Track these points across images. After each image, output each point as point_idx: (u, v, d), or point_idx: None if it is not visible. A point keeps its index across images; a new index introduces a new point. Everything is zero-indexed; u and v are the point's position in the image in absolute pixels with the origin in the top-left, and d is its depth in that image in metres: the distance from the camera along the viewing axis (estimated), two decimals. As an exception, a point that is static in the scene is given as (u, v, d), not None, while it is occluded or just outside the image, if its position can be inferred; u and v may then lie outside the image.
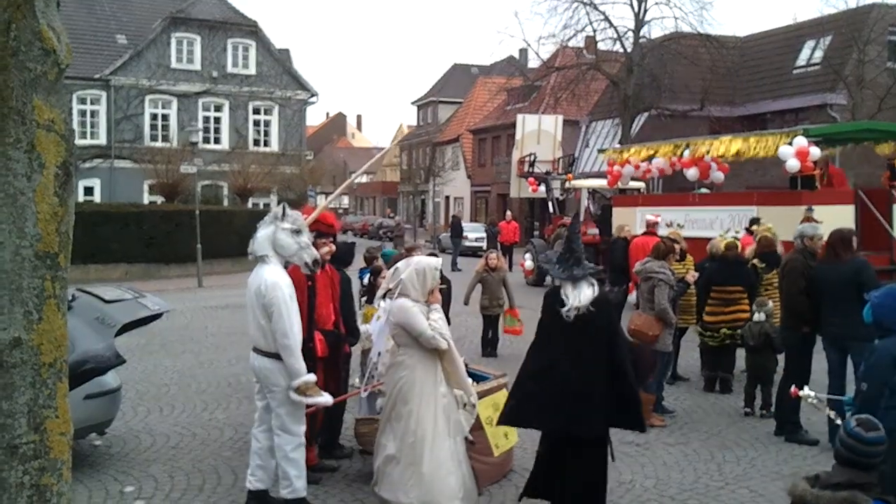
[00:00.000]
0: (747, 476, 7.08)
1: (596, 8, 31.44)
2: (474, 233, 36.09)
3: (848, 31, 28.33)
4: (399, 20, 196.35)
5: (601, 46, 33.25)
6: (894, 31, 29.95)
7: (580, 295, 5.41)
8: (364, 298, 9.64)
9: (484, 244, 29.88)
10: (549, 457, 5.57)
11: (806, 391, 5.75)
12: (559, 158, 28.11)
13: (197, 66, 37.98)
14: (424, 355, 5.61)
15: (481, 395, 6.27)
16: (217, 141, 38.35)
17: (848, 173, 22.99)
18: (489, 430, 6.52)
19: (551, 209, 24.92)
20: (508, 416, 5.71)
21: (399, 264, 5.94)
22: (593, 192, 23.03)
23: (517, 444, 7.14)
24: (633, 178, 20.27)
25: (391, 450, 5.59)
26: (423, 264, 5.79)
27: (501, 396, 6.91)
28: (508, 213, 31.14)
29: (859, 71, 27.10)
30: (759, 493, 6.64)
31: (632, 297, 13.45)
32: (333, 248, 6.90)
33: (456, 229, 31.33)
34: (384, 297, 6.21)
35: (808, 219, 12.50)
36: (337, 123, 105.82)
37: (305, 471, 5.92)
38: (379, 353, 6.22)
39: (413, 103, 67.70)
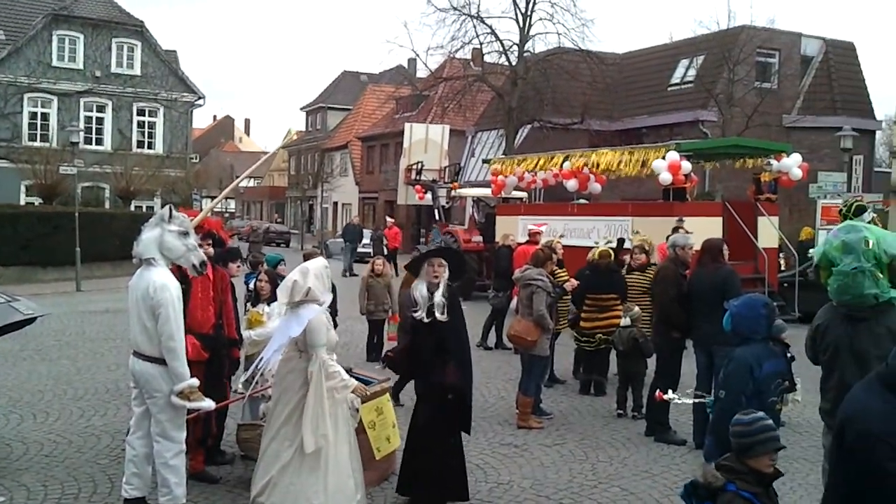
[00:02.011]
0: (619, 475, 7.38)
1: (483, 21, 31.99)
2: (366, 239, 36.05)
3: (719, 52, 29.73)
4: (289, 26, 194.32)
5: (487, 59, 33.81)
6: (762, 52, 31.65)
7: None
8: (248, 303, 9.59)
9: (371, 250, 29.88)
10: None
11: (670, 394, 6.09)
12: (445, 167, 28.44)
13: (79, 64, 36.77)
14: None
15: (364, 400, 6.36)
16: (99, 142, 37.19)
17: (717, 186, 24.23)
18: (371, 434, 6.63)
19: (437, 217, 25.23)
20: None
21: (297, 273, 5.76)
22: (478, 201, 23.45)
23: (399, 447, 7.28)
24: (516, 188, 20.76)
25: (287, 457, 5.50)
26: (320, 267, 5.84)
27: (385, 401, 7.04)
28: (390, 219, 31.29)
29: (729, 89, 28.48)
30: (629, 491, 6.94)
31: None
32: (211, 250, 6.84)
33: (353, 235, 31.21)
34: (267, 303, 6.23)
35: (678, 229, 13.11)
36: (224, 127, 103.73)
37: (185, 478, 5.86)
38: (265, 358, 6.07)
39: (302, 109, 67.07)
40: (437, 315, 6.22)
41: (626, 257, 11.44)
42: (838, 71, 33.36)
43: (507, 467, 7.42)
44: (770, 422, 3.93)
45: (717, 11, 60.10)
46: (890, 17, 78.39)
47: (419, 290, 6.34)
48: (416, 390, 6.68)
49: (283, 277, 7.14)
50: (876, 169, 34.40)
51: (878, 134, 37.24)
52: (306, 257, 9.02)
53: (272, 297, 7.77)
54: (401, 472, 6.49)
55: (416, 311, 6.32)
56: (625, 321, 9.53)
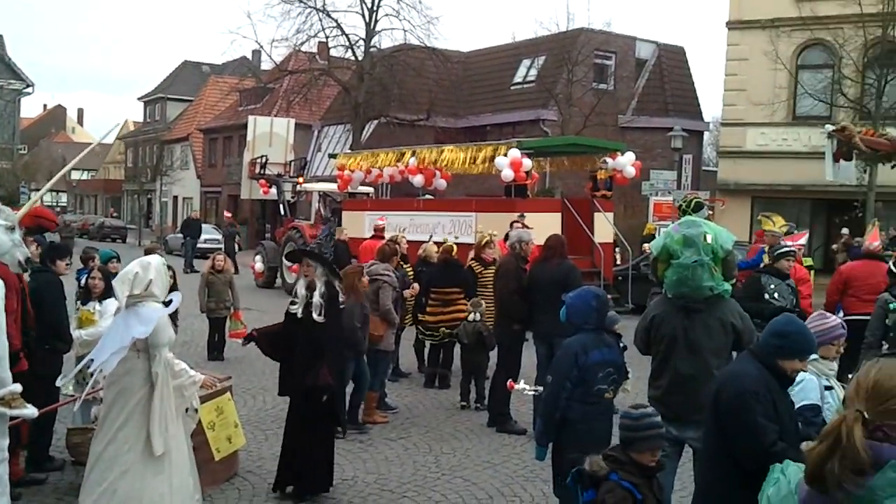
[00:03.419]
0: (462, 466, 7.52)
1: (328, 15, 31.68)
2: (206, 234, 35.04)
3: (559, 53, 30.71)
4: (127, 12, 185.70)
5: (333, 53, 33.57)
6: (599, 54, 32.91)
7: None
8: (78, 301, 9.13)
9: (219, 246, 29.06)
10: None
11: (521, 384, 6.29)
12: (291, 161, 28.05)
13: None
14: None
15: (204, 400, 6.20)
16: (-87, 131, 34.52)
17: (556, 183, 25.01)
18: (210, 435, 6.48)
19: (282, 212, 24.85)
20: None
21: (137, 265, 5.50)
22: (324, 196, 23.26)
23: (243, 447, 7.15)
24: (362, 183, 20.73)
25: (128, 462, 5.26)
26: (160, 263, 5.63)
27: (225, 400, 6.88)
28: (227, 214, 30.55)
29: (568, 90, 29.44)
30: (472, 481, 7.08)
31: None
32: (34, 248, 6.51)
33: (193, 230, 30.23)
34: (99, 300, 5.95)
35: (520, 224, 13.46)
36: (56, 116, 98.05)
37: (9, 487, 5.53)
38: (102, 359, 5.76)
39: (140, 99, 64.41)
40: (315, 315, 6.33)
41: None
42: (670, 74, 35.11)
43: (351, 463, 7.42)
44: (658, 419, 4.08)
45: (556, 13, 61.91)
46: (716, 24, 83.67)
47: (300, 285, 6.53)
48: (282, 390, 6.77)
49: (115, 275, 6.82)
50: (704, 168, 36.45)
51: (706, 135, 39.43)
52: (147, 253, 8.68)
53: (104, 295, 7.43)
54: (277, 468, 6.59)
55: (293, 305, 6.49)
56: (474, 316, 9.69)
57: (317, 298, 6.36)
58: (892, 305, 7.48)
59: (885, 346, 7.67)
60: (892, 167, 13.05)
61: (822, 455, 2.23)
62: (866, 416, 2.23)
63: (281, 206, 24.89)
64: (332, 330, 6.51)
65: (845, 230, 19.65)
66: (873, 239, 10.22)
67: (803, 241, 12.54)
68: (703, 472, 4.25)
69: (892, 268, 8.38)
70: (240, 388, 9.51)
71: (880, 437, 2.22)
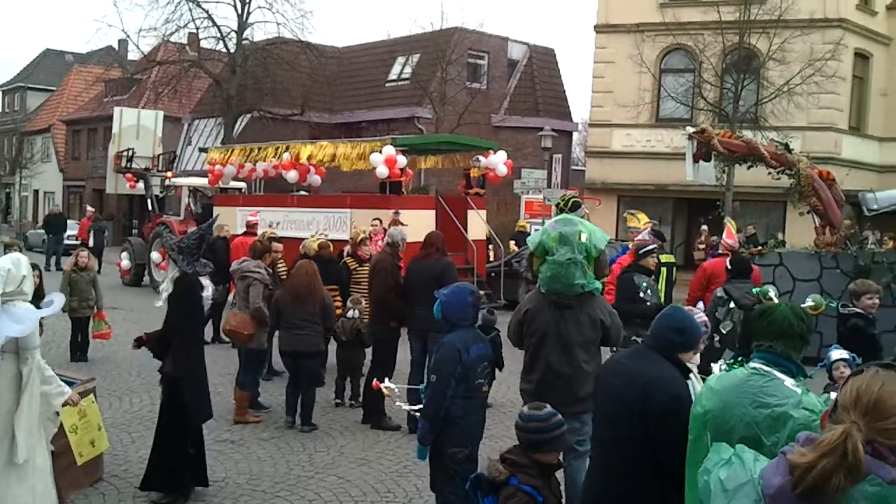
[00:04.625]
0: (336, 464, 7.49)
1: (199, 5, 30.85)
2: (72, 230, 33.46)
3: (433, 51, 30.93)
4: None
5: (204, 45, 32.69)
6: (472, 54, 33.32)
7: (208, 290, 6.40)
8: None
9: (92, 241, 27.82)
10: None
11: (386, 383, 6.29)
12: (159, 155, 27.27)
13: None
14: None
15: (65, 402, 5.95)
16: None
17: (431, 181, 25.22)
18: (73, 439, 6.23)
19: (150, 207, 24.07)
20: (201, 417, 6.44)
21: (8, 261, 5.21)
22: (194, 191, 22.67)
23: (107, 450, 6.92)
24: (234, 178, 20.33)
25: None
26: (27, 262, 5.36)
27: (88, 403, 6.62)
28: (90, 208, 29.35)
29: (442, 88, 29.68)
30: (346, 479, 7.06)
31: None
32: None
33: (56, 226, 28.79)
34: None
35: (395, 222, 13.52)
36: None
37: None
38: None
39: (-3, 88, 61.17)
40: (162, 302, 6.31)
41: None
42: (541, 75, 35.89)
43: (222, 464, 7.28)
44: (561, 417, 4.11)
45: (431, 12, 62.26)
46: (585, 28, 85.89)
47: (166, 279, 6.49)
48: None
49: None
50: (573, 167, 37.48)
51: (575, 135, 40.57)
52: (7, 249, 8.28)
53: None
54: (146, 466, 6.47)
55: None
56: (353, 313, 9.65)
57: (165, 284, 6.33)
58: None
59: (716, 339, 8.13)
60: (748, 168, 13.74)
61: (827, 470, 2.19)
62: (862, 429, 2.23)
63: (149, 201, 24.10)
64: (179, 318, 6.34)
65: (704, 227, 20.63)
66: (729, 236, 10.76)
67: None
68: (617, 482, 3.92)
69: (729, 265, 8.90)
70: (104, 390, 9.21)
71: (868, 452, 2.22)
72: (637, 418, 3.81)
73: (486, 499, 3.97)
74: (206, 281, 6.40)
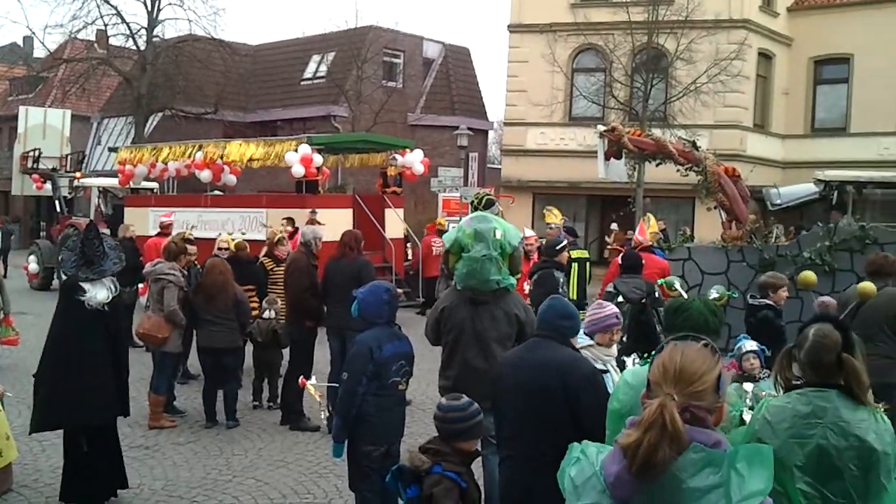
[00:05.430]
0: (254, 466, 7.44)
1: (107, 1, 30.08)
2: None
3: (349, 50, 30.78)
4: None
5: (113, 42, 31.92)
6: (388, 52, 33.30)
7: (97, 294, 5.97)
8: None
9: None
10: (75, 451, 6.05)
11: (313, 381, 6.31)
12: (68, 155, 26.57)
13: None
14: None
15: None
16: None
17: (348, 179, 25.15)
18: (-22, 449, 6.05)
19: (59, 208, 23.38)
20: (39, 423, 6.05)
21: None
22: (104, 192, 22.13)
23: (16, 460, 6.73)
24: (146, 178, 19.92)
25: None
26: None
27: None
28: None
29: (358, 87, 29.58)
30: (264, 481, 7.03)
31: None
32: None
33: None
34: None
35: (311, 220, 13.45)
36: None
37: None
38: None
39: None
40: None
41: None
42: (456, 74, 36.10)
43: (137, 471, 7.13)
44: (478, 406, 4.20)
45: (345, 10, 61.92)
46: (499, 27, 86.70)
47: None
48: None
49: None
50: (489, 165, 37.83)
51: (491, 134, 40.90)
52: None
53: None
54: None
55: None
56: (269, 314, 9.57)
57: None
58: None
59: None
60: (657, 165, 14.08)
61: (652, 444, 2.26)
62: (676, 398, 2.33)
63: (57, 202, 23.40)
64: (53, 322, 6.25)
65: (614, 225, 21.12)
66: (641, 232, 11.05)
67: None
68: (552, 470, 3.88)
69: (620, 261, 9.15)
70: (13, 398, 8.88)
71: (687, 419, 2.32)
72: (561, 402, 3.95)
73: (409, 489, 4.01)
74: (107, 282, 6.16)
